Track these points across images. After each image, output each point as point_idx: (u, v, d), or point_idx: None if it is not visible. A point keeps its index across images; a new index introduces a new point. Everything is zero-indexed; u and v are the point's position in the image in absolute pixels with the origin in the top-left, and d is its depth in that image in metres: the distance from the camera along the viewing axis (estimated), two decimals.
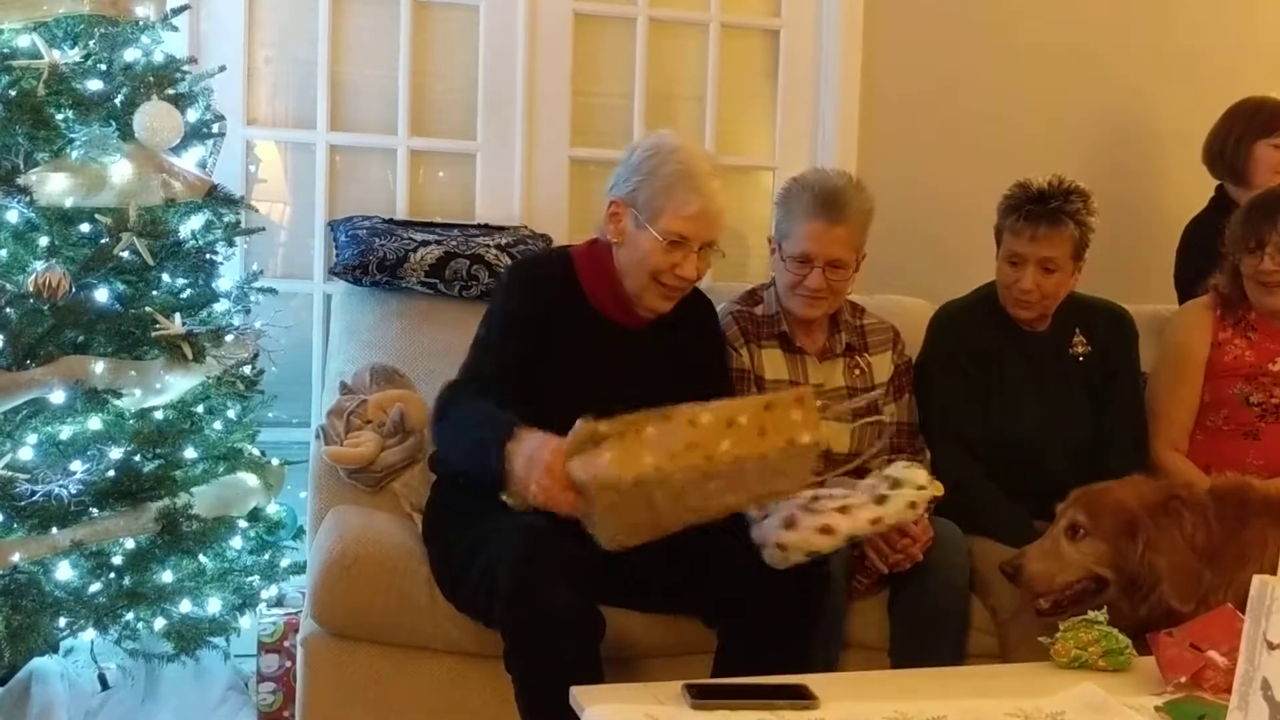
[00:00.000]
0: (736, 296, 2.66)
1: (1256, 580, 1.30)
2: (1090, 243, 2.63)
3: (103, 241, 2.29)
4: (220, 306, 2.54)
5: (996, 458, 2.63)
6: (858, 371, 2.61)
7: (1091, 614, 1.93)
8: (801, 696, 1.66)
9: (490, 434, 2.01)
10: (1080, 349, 2.72)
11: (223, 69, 2.69)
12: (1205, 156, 3.24)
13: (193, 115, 2.51)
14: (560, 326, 2.24)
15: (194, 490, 2.42)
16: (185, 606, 2.39)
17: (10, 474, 2.18)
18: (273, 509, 2.68)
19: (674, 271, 2.22)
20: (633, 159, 2.27)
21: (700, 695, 1.65)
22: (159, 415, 2.39)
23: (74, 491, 2.22)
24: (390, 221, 3.04)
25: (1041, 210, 2.58)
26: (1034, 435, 2.66)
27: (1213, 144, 3.22)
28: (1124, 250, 3.29)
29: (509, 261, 2.93)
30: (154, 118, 2.33)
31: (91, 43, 2.34)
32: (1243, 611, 1.33)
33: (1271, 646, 1.27)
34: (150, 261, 2.32)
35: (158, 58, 2.46)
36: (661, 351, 2.33)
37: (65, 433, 2.26)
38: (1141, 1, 3.58)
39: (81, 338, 2.29)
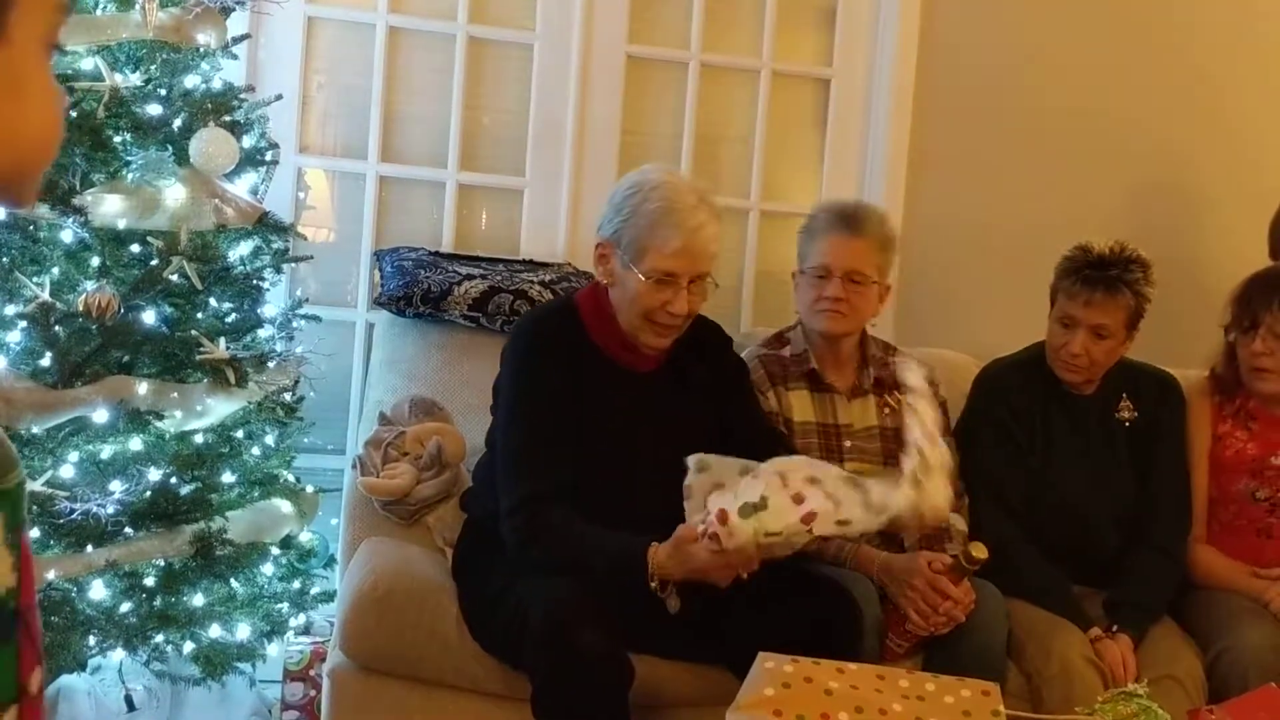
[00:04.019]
0: (762, 340, 2.66)
1: None
2: (1146, 313, 2.59)
3: (153, 264, 2.31)
4: (264, 332, 2.55)
5: (1038, 520, 2.59)
6: (887, 410, 2.59)
7: (1132, 686, 1.89)
8: None
9: (625, 570, 2.06)
10: (1126, 414, 2.68)
11: (279, 98, 2.72)
12: (1269, 238, 3.13)
13: (248, 142, 2.54)
14: (576, 381, 2.22)
15: (229, 515, 2.42)
16: (215, 631, 2.39)
17: (50, 491, 2.19)
18: (305, 536, 2.68)
19: (665, 309, 2.20)
20: (616, 198, 2.25)
21: None
22: (199, 438, 2.40)
23: (112, 511, 2.23)
24: (436, 254, 3.05)
25: (1100, 276, 2.55)
26: (1076, 499, 2.62)
27: (1273, 229, 3.12)
28: (1166, 311, 3.25)
29: (552, 298, 2.93)
30: (210, 144, 2.36)
31: (153, 68, 2.37)
32: None
33: None
34: (198, 285, 2.34)
35: (216, 85, 2.49)
36: (677, 391, 2.31)
37: (106, 452, 2.27)
38: (1193, 60, 3.54)
39: (127, 358, 2.30)
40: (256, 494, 2.51)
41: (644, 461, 2.22)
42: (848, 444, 2.54)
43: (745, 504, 1.89)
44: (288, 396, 2.59)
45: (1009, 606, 2.43)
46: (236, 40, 2.56)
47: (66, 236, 2.26)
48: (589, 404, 2.21)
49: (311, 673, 2.66)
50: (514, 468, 2.17)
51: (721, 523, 1.90)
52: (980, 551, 2.21)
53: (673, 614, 2.10)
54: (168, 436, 2.33)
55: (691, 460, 2.06)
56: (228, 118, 2.45)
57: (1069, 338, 2.59)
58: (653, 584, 2.03)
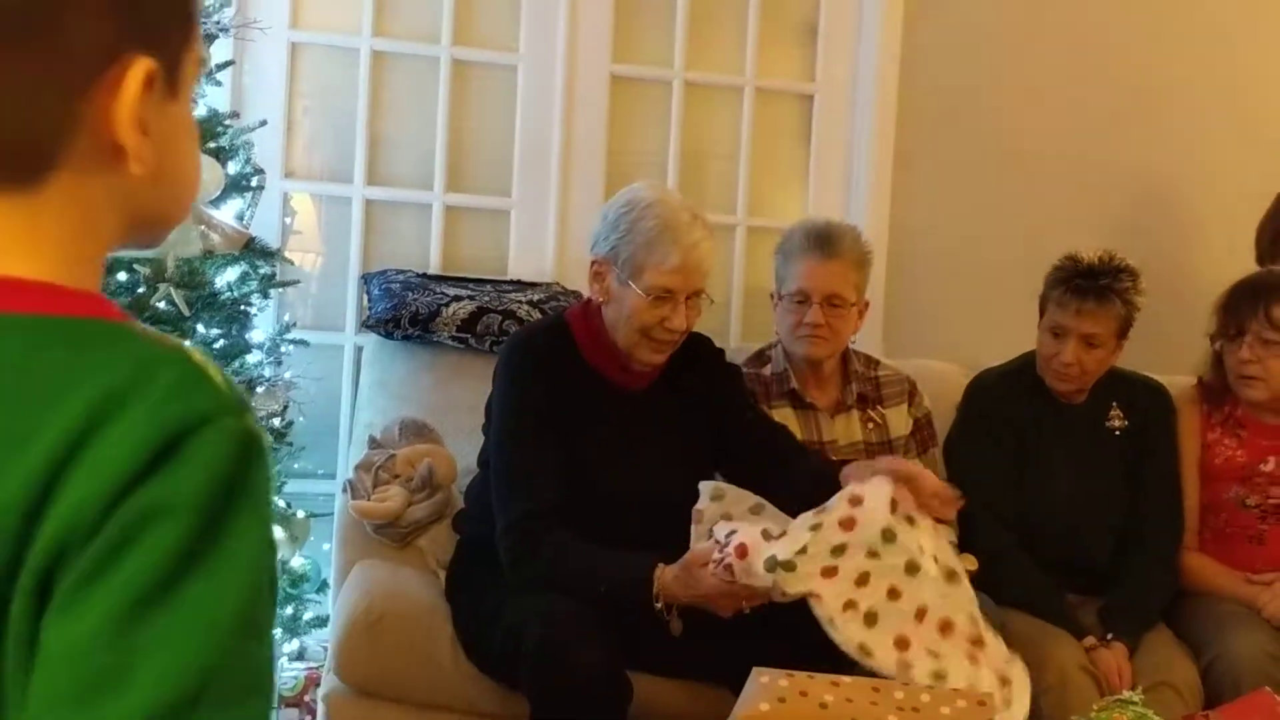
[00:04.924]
0: (744, 359, 2.65)
1: None
2: (1135, 321, 2.60)
3: (140, 291, 2.31)
4: (253, 358, 2.55)
5: (1030, 530, 2.59)
6: (871, 425, 2.59)
7: (1128, 694, 1.90)
8: None
9: (628, 590, 2.04)
10: (1117, 423, 2.68)
11: (264, 123, 2.72)
12: (1256, 244, 3.12)
13: (233, 168, 2.54)
14: (569, 398, 2.22)
15: None
16: None
17: None
18: (297, 562, 2.67)
19: (663, 325, 2.21)
20: (610, 216, 2.25)
21: None
22: None
23: None
24: (424, 276, 3.05)
25: (1090, 285, 2.55)
26: (1068, 508, 2.63)
27: (1260, 234, 3.11)
28: (1152, 319, 3.26)
29: (540, 317, 2.93)
30: None
31: None
32: None
33: None
34: (186, 312, 2.34)
35: (201, 111, 2.49)
36: (671, 406, 2.32)
37: None
38: (1185, 64, 3.56)
39: None
40: None
41: (639, 478, 2.22)
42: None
43: (772, 558, 1.88)
44: (277, 421, 2.58)
45: (1003, 616, 2.42)
46: (220, 67, 2.57)
47: None
48: (582, 421, 2.22)
49: (306, 698, 2.65)
50: (508, 486, 2.17)
51: (740, 557, 1.90)
52: (970, 563, 2.20)
53: (674, 636, 2.09)
54: None
55: (706, 487, 2.06)
56: (213, 144, 2.46)
57: (1060, 347, 2.59)
58: (658, 604, 2.02)
